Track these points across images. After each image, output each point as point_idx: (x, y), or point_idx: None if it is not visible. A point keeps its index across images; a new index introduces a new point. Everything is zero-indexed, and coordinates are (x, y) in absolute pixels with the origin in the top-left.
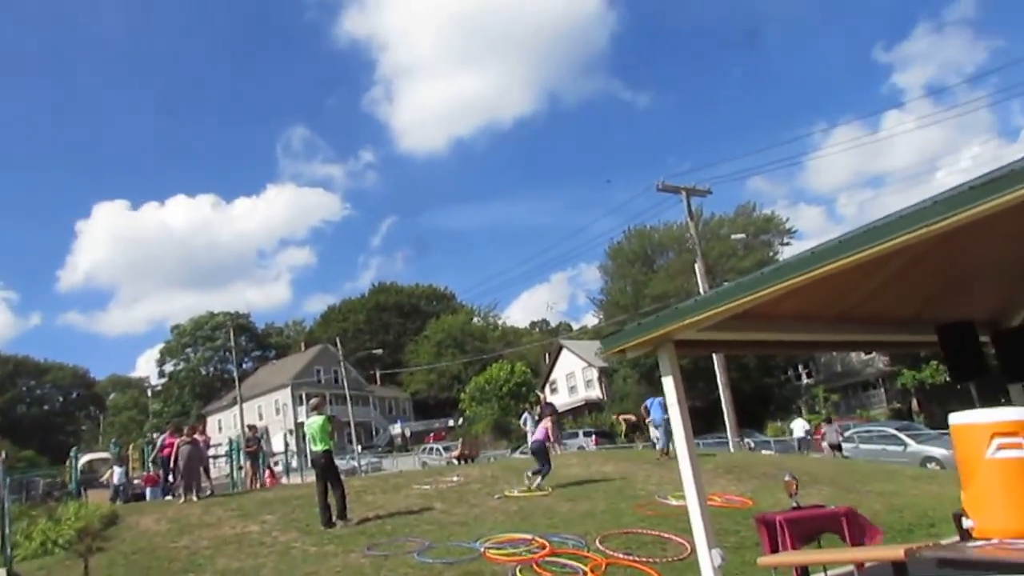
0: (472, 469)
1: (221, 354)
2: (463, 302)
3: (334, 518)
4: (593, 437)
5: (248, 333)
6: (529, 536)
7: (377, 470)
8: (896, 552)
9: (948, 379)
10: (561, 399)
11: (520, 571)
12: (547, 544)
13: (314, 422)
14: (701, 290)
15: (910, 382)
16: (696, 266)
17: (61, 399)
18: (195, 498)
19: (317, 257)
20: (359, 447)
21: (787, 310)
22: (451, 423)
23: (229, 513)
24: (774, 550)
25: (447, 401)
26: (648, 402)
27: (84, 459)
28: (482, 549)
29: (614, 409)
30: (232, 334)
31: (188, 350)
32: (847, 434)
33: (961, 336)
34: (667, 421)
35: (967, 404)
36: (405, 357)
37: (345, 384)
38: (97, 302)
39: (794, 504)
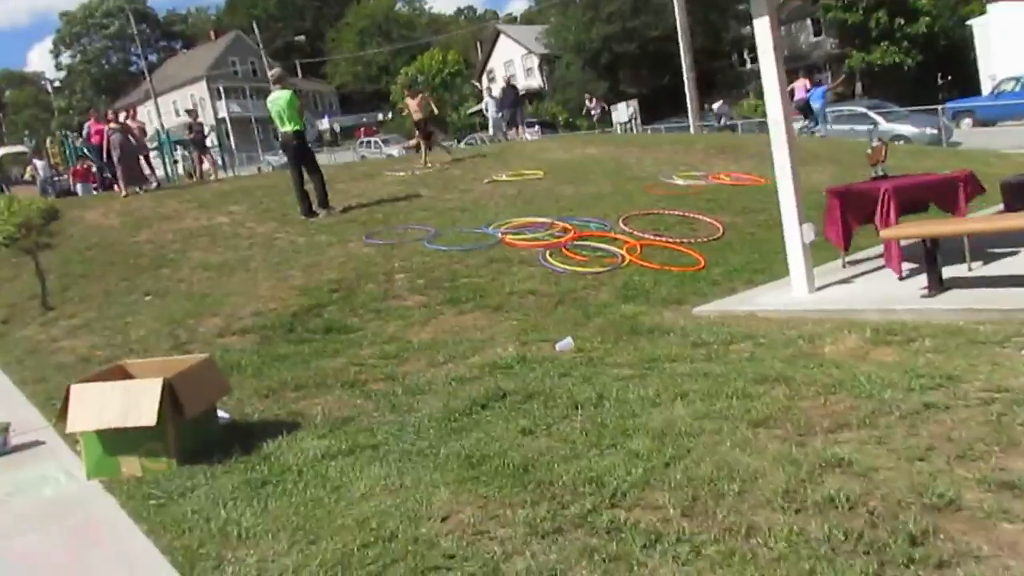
0: (441, 156)
1: (120, 43)
2: None
3: (314, 207)
4: (536, 127)
5: (147, 20)
6: (547, 220)
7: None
8: None
9: (896, 61)
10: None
11: (550, 256)
12: (570, 227)
13: (280, 97)
14: None
15: (858, 64)
16: None
17: None
18: (139, 191)
19: None
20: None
21: None
22: (380, 117)
23: (186, 205)
24: (847, 226)
25: (375, 94)
26: (811, 93)
27: None
28: (499, 235)
29: (556, 98)
30: (131, 19)
31: (83, 40)
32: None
33: None
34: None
35: (910, 87)
36: (327, 46)
37: (268, 75)
38: None
39: (878, 173)
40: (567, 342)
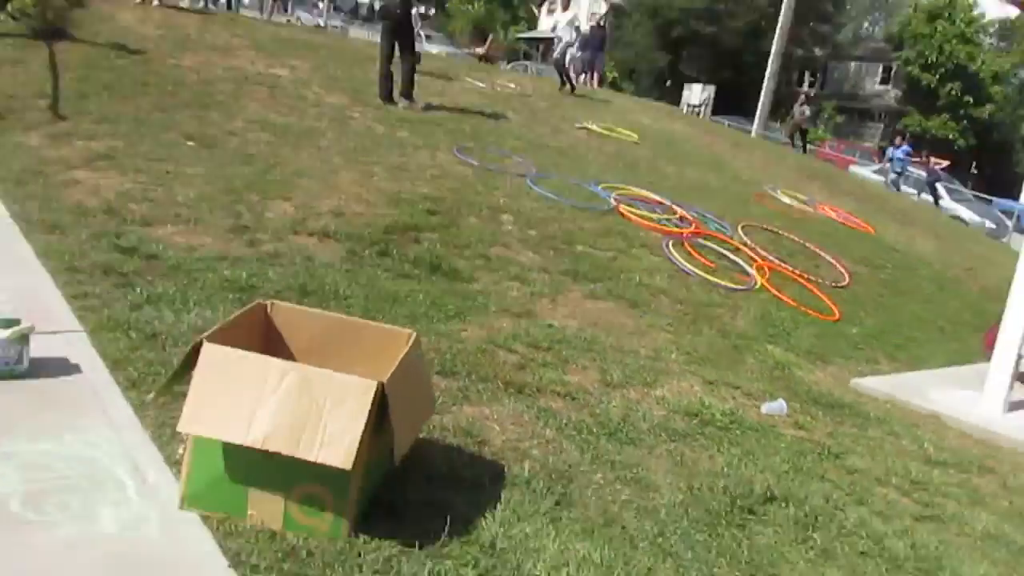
0: (521, 79)
1: None
2: None
3: (395, 94)
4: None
5: None
6: (664, 200)
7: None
8: None
9: (950, 137)
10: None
11: (673, 248)
12: (691, 218)
13: None
14: None
15: (915, 125)
16: None
17: None
18: (156, 1)
19: None
20: (328, 3)
21: None
22: (423, 10)
23: (239, 40)
24: None
25: None
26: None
27: None
28: (612, 200)
29: (613, 55)
30: None
31: None
32: (879, 166)
33: None
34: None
35: (955, 165)
36: None
37: None
38: None
39: None
40: (779, 406)
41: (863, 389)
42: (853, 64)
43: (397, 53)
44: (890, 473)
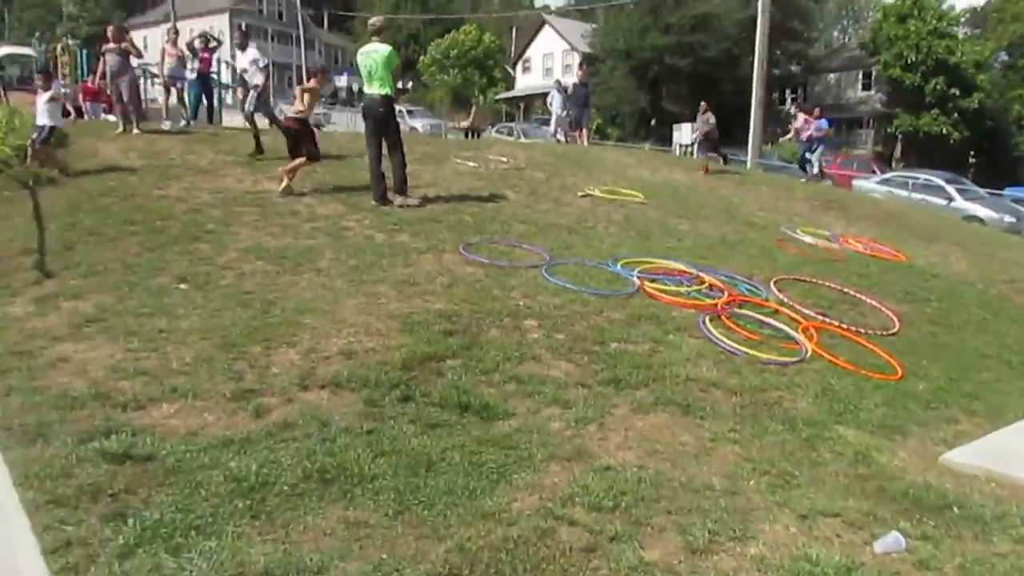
0: (513, 149)
1: None
2: None
3: (389, 193)
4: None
5: None
6: (689, 269)
7: (325, 123)
8: None
9: (943, 132)
10: (535, 80)
11: (711, 324)
12: (721, 285)
13: (377, 52)
14: None
15: (906, 126)
16: None
17: None
18: (136, 129)
19: None
20: None
21: None
22: (401, 85)
23: (223, 158)
24: None
25: (402, 63)
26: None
27: (2, 51)
28: (635, 280)
29: (593, 102)
30: None
31: None
32: (884, 177)
33: None
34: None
35: (945, 161)
36: (358, 3)
37: (299, 18)
38: None
39: None
40: (896, 541)
41: (956, 467)
42: (832, 75)
43: (385, 150)
44: None
